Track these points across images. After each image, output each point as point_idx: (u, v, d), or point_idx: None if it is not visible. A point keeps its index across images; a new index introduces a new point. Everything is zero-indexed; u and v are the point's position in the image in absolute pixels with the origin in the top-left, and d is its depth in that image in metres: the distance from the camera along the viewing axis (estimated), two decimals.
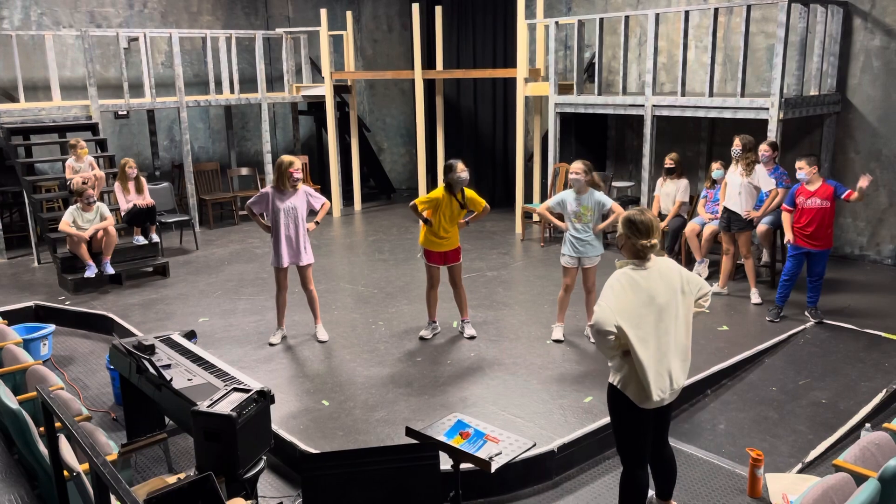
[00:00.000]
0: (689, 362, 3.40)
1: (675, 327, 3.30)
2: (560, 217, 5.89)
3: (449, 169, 5.69)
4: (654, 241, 3.30)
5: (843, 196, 5.92)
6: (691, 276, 3.41)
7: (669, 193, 7.83)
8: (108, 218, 7.69)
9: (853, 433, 4.47)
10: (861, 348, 5.74)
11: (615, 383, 3.35)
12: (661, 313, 3.26)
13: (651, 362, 3.22)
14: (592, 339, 5.87)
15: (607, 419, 4.41)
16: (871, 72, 7.78)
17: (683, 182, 7.79)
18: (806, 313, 6.27)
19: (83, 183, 7.85)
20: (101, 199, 8.14)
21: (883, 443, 3.31)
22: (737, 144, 6.56)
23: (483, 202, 5.82)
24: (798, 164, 6.03)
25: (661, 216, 7.88)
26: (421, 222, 5.88)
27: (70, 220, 7.44)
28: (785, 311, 6.34)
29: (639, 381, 3.26)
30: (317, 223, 5.97)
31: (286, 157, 5.74)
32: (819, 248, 6.02)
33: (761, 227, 7.08)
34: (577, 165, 5.63)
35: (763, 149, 6.80)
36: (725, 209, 6.69)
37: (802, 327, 6.09)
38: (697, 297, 3.41)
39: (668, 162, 7.78)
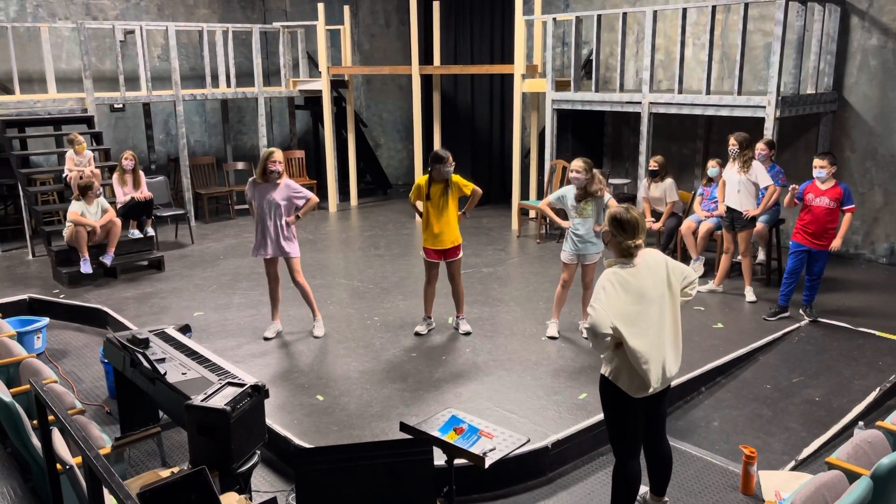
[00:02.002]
0: (680, 351, 3.44)
1: (666, 318, 3.34)
2: (561, 213, 5.88)
3: (438, 160, 5.64)
4: (640, 240, 3.34)
5: (844, 208, 5.92)
6: (676, 265, 3.45)
7: (657, 197, 7.84)
8: (109, 210, 7.71)
9: (846, 431, 4.48)
10: (855, 347, 5.75)
11: (607, 374, 3.40)
12: (653, 307, 3.30)
13: (648, 355, 3.27)
14: (586, 336, 5.89)
15: (601, 416, 4.43)
16: (867, 71, 7.79)
17: (668, 182, 7.78)
18: (800, 311, 6.28)
19: (80, 178, 7.83)
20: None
21: (876, 441, 3.32)
22: (732, 144, 6.56)
23: (471, 185, 5.78)
24: (818, 162, 5.95)
25: (657, 216, 7.88)
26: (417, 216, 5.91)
27: (80, 212, 7.46)
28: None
29: (631, 372, 3.30)
30: (297, 217, 5.82)
31: (269, 149, 5.74)
32: (820, 248, 6.01)
33: (758, 226, 7.08)
34: (578, 163, 5.61)
35: (760, 147, 6.80)
36: (728, 209, 6.68)
37: (797, 325, 6.11)
38: (683, 285, 3.45)
39: (653, 164, 7.77)
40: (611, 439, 3.54)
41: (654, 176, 7.79)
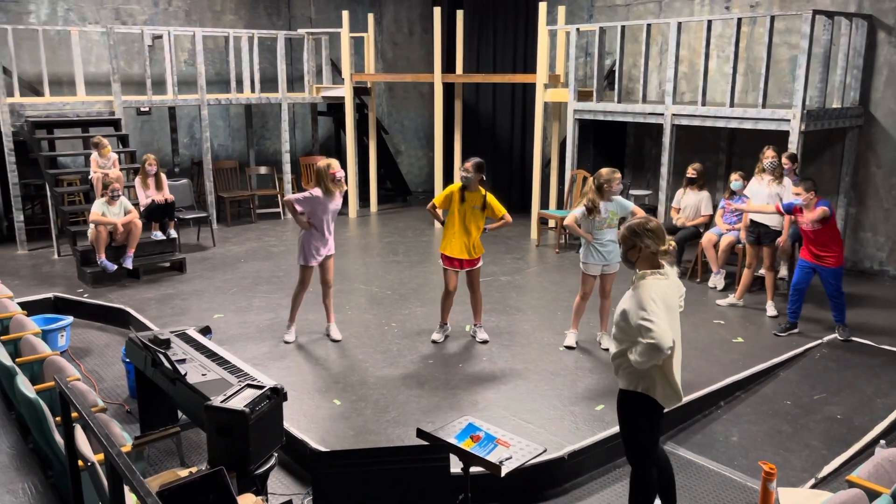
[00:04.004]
0: None
1: (678, 332, 3.39)
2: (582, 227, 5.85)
3: (479, 168, 5.68)
4: (673, 244, 3.36)
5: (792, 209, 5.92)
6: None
7: (690, 204, 7.78)
8: (132, 211, 7.81)
9: (867, 449, 4.42)
10: (878, 364, 5.68)
11: (639, 389, 3.33)
12: (677, 318, 3.35)
13: (678, 365, 3.33)
14: (604, 346, 5.86)
15: (618, 428, 4.42)
16: (894, 85, 7.70)
17: (706, 194, 7.74)
18: (836, 331, 6.17)
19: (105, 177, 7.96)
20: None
21: None
22: (773, 156, 6.58)
23: (503, 210, 5.79)
24: (794, 189, 5.97)
25: (679, 227, 7.83)
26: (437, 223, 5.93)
27: (100, 212, 7.57)
28: (801, 327, 6.28)
29: (664, 383, 3.30)
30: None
31: (321, 161, 5.75)
32: (826, 266, 5.94)
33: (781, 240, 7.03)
34: (617, 174, 5.61)
35: (783, 161, 6.77)
36: (754, 223, 6.64)
37: (819, 341, 6.04)
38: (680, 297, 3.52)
39: (691, 172, 7.72)
40: (634, 451, 3.50)
41: (692, 183, 7.74)
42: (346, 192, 7.08)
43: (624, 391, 3.40)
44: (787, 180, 6.59)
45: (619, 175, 5.61)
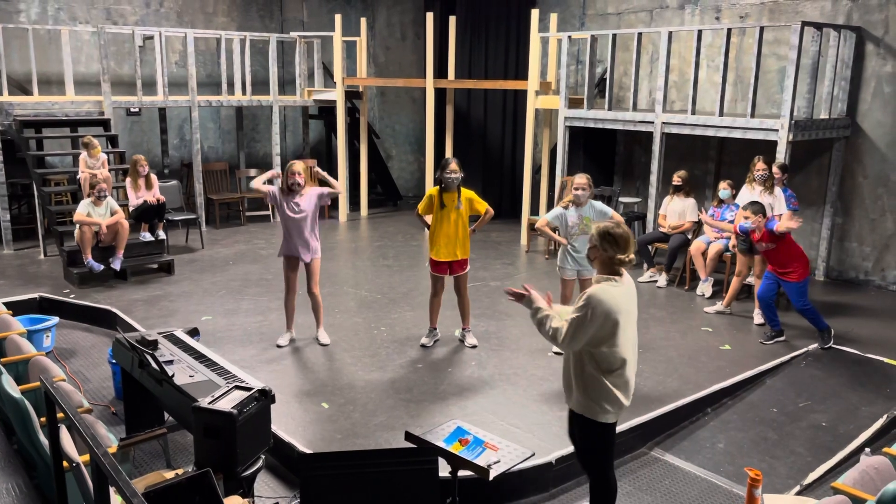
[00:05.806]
0: None
1: (635, 333, 3.42)
2: (557, 231, 5.87)
3: (443, 167, 5.69)
4: (632, 255, 3.33)
5: (774, 228, 5.92)
6: None
7: (676, 211, 7.84)
8: (118, 211, 7.75)
9: (852, 457, 4.45)
10: (863, 373, 5.72)
11: (600, 419, 3.38)
12: (632, 324, 3.36)
13: (633, 371, 3.38)
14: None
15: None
16: (881, 97, 7.79)
17: (691, 201, 7.80)
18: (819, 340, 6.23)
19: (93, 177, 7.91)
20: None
21: (882, 467, 3.30)
22: (763, 168, 6.65)
23: (484, 203, 5.83)
24: (744, 213, 6.04)
25: (667, 234, 7.88)
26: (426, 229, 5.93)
27: (85, 213, 7.52)
28: (787, 335, 6.31)
29: (614, 395, 3.32)
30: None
31: (294, 162, 5.82)
32: (789, 280, 6.00)
33: None
34: (582, 180, 5.61)
35: (773, 171, 6.83)
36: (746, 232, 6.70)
37: (804, 350, 6.08)
38: None
39: (676, 179, 7.79)
40: (601, 467, 3.52)
41: (678, 191, 7.80)
42: (337, 197, 7.08)
43: (591, 420, 3.40)
44: (777, 190, 6.66)
45: (582, 180, 5.59)
